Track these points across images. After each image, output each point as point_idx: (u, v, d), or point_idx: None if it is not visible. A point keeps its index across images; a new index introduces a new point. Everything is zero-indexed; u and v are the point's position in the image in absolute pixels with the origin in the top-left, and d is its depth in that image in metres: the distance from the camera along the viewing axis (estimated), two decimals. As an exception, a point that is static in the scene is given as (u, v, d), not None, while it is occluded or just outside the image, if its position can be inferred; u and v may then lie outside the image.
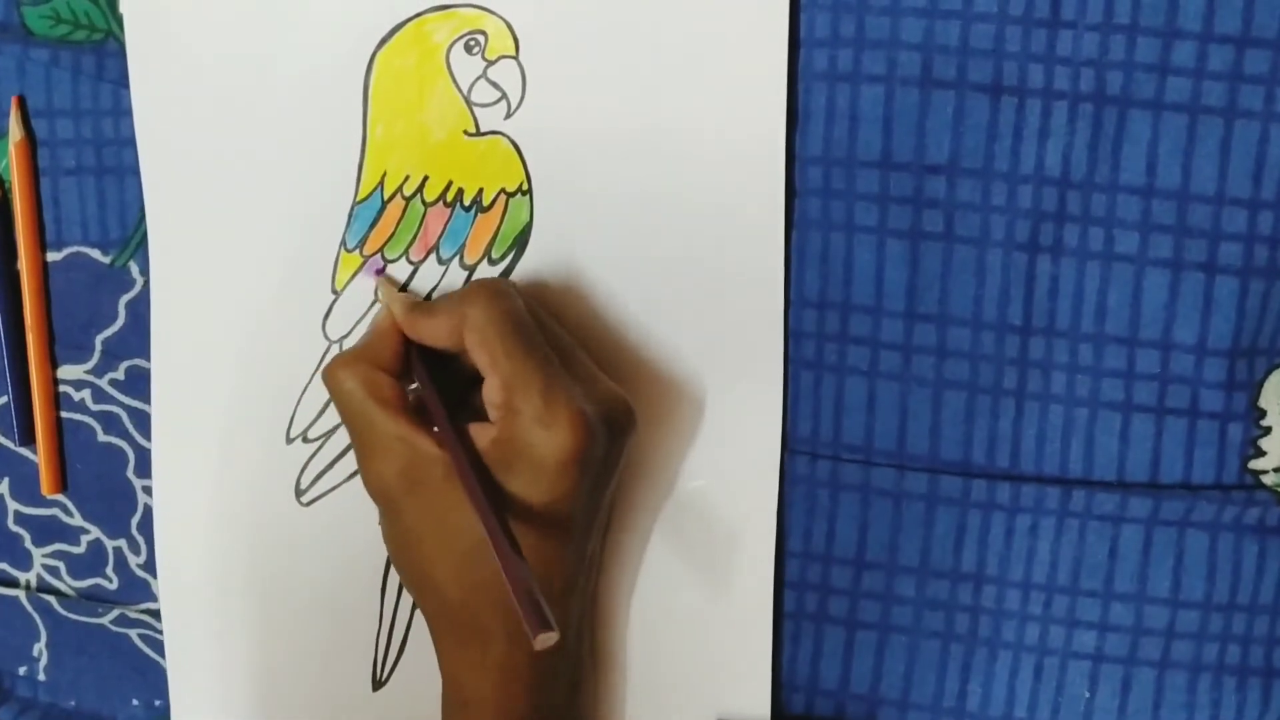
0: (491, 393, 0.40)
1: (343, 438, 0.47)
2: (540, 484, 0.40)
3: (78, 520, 0.51)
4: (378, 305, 0.47)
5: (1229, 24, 0.41)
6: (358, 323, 0.47)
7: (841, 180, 0.44)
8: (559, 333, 0.43)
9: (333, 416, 0.47)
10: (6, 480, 0.51)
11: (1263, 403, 0.44)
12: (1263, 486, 0.44)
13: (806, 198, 0.44)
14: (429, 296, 0.47)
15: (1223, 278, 0.42)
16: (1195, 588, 0.44)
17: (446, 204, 0.46)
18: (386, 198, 0.46)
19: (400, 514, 0.41)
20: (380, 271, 0.46)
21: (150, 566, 0.50)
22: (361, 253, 0.47)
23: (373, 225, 0.46)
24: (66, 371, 0.50)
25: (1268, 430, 0.44)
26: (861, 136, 0.43)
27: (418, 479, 0.41)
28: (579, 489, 0.40)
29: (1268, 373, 0.44)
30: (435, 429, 0.41)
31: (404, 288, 0.47)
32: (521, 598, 0.36)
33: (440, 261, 0.46)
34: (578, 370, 0.42)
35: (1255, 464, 0.44)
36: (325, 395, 0.45)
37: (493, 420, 0.41)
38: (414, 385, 0.43)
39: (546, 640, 0.35)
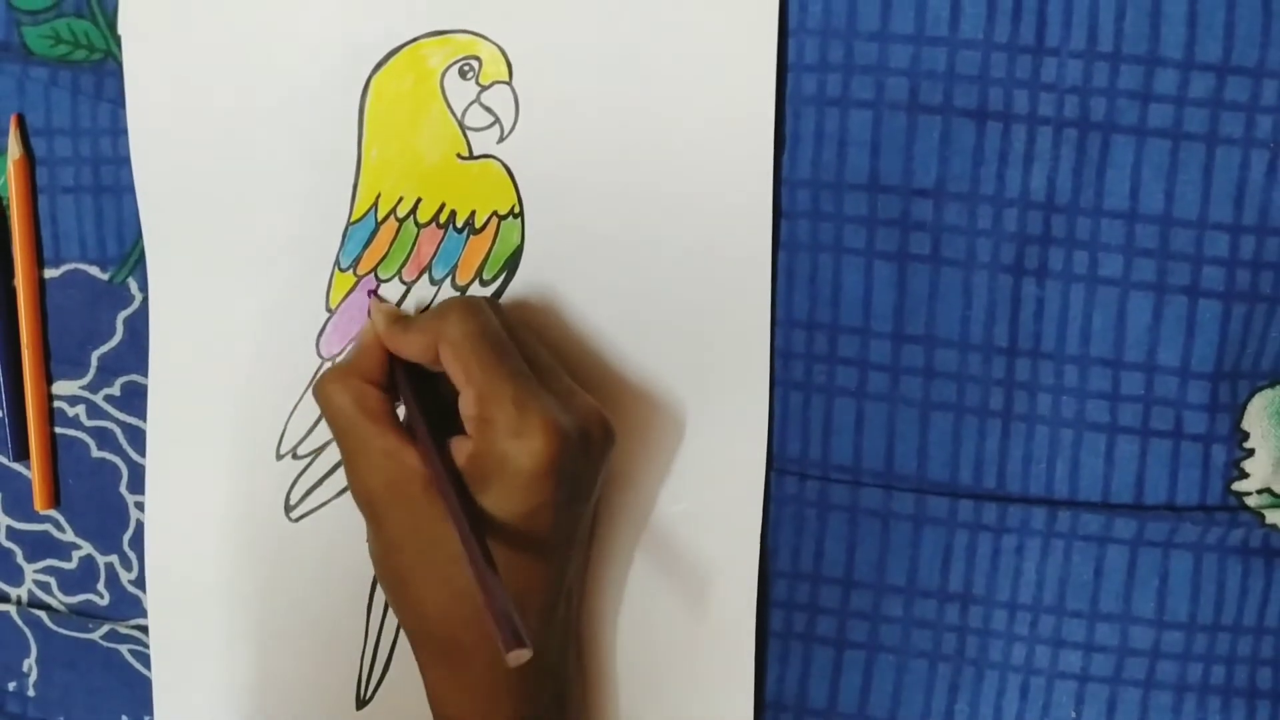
0: (466, 406, 0.41)
1: (332, 454, 0.47)
2: (516, 495, 0.40)
3: (70, 536, 0.51)
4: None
5: (1210, 52, 0.41)
6: (350, 341, 0.47)
7: (830, 203, 0.44)
8: (539, 350, 0.43)
9: (323, 433, 0.47)
10: (-1, 496, 0.52)
11: (1246, 425, 0.44)
12: (1246, 508, 0.44)
13: (795, 220, 0.45)
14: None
15: (1205, 301, 0.43)
16: (1180, 608, 0.45)
17: (439, 226, 0.46)
18: (380, 219, 0.47)
19: (384, 524, 0.42)
20: (373, 292, 0.47)
21: (142, 582, 0.50)
22: (355, 273, 0.47)
23: (366, 245, 0.47)
24: (61, 387, 0.50)
25: (1250, 452, 0.44)
26: (850, 160, 0.44)
27: (402, 491, 0.41)
28: (555, 500, 0.40)
29: (1250, 395, 0.44)
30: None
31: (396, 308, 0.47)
32: (495, 613, 0.35)
33: (433, 282, 0.47)
34: (556, 386, 0.42)
35: (1238, 486, 0.44)
36: (316, 412, 0.46)
37: (469, 434, 0.41)
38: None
39: (519, 657, 0.35)
